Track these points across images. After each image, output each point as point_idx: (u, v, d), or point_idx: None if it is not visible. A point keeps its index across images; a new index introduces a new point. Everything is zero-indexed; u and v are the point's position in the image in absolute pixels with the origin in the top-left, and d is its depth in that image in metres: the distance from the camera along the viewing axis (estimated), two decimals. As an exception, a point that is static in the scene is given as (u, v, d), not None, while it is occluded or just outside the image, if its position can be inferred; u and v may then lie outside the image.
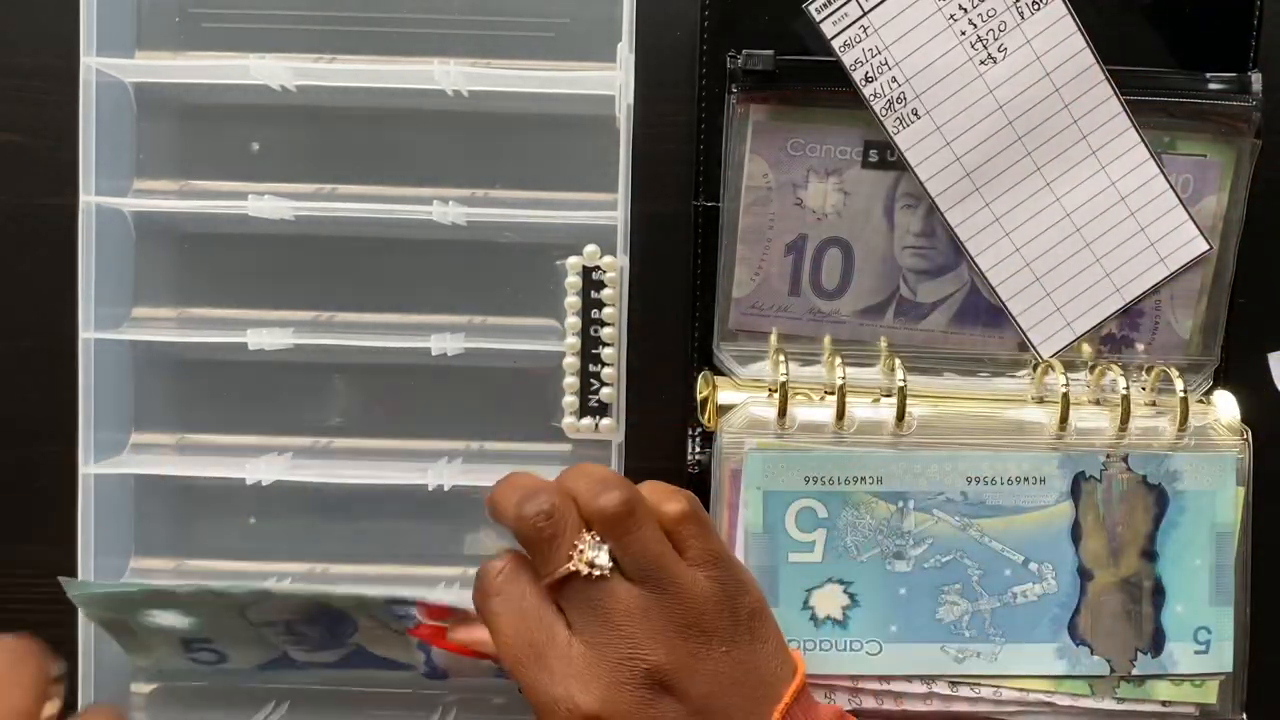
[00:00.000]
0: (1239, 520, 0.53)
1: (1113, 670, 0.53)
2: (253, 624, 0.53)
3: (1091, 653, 0.53)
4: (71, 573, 0.55)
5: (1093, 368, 0.55)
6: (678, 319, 0.56)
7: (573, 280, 0.55)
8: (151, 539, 0.59)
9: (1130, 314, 0.56)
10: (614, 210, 0.54)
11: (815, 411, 0.53)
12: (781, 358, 0.53)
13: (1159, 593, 0.53)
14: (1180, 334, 0.56)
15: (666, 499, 0.42)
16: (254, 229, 0.57)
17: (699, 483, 0.54)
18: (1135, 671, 0.53)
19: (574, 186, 0.57)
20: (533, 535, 0.40)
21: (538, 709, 0.39)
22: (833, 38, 0.52)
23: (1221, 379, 0.56)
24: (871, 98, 0.53)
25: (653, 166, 0.55)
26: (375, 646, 0.55)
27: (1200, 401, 0.55)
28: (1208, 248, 0.55)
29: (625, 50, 0.53)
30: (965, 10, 0.52)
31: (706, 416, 0.54)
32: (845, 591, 0.52)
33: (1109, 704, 0.53)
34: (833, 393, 0.52)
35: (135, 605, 0.51)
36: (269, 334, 0.55)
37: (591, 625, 0.39)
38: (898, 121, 0.53)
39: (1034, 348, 0.55)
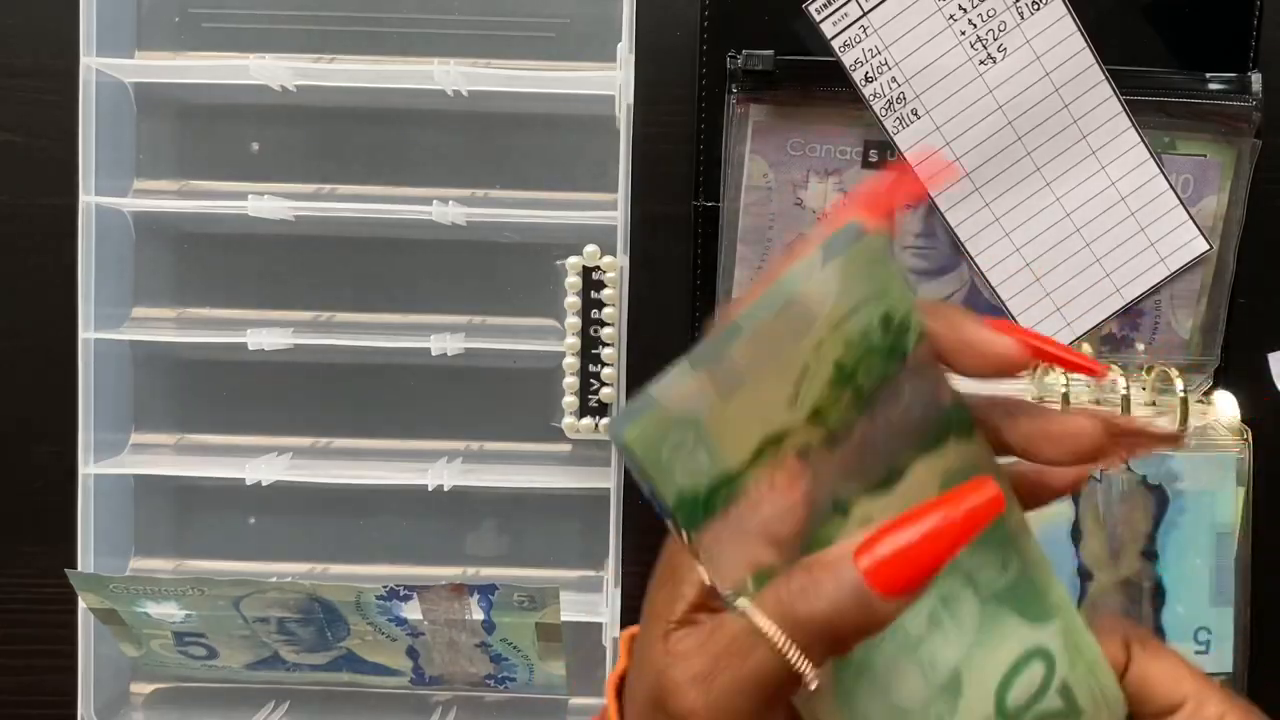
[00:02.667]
0: (1239, 520, 0.53)
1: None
2: (246, 620, 0.53)
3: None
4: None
5: (1093, 368, 0.55)
6: (678, 319, 0.56)
7: (573, 280, 0.55)
8: (151, 539, 0.59)
9: (1130, 314, 0.56)
10: (614, 210, 0.54)
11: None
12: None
13: (1159, 593, 0.53)
14: (1180, 334, 0.56)
15: None
16: (254, 229, 0.57)
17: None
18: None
19: (574, 186, 0.57)
20: None
21: None
22: (833, 38, 0.52)
23: (1221, 379, 0.56)
24: (871, 98, 0.53)
25: (653, 166, 0.55)
26: (365, 652, 0.55)
27: (1200, 401, 0.55)
28: (1208, 248, 0.55)
29: (625, 50, 0.53)
30: (965, 10, 0.52)
31: (706, 416, 0.54)
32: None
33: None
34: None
35: (130, 594, 0.52)
36: (269, 334, 0.55)
37: None
38: (898, 121, 0.53)
39: (1034, 348, 0.55)
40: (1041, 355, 0.29)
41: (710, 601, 0.27)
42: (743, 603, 0.26)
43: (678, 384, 0.25)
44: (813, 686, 0.26)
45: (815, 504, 0.27)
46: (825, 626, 0.25)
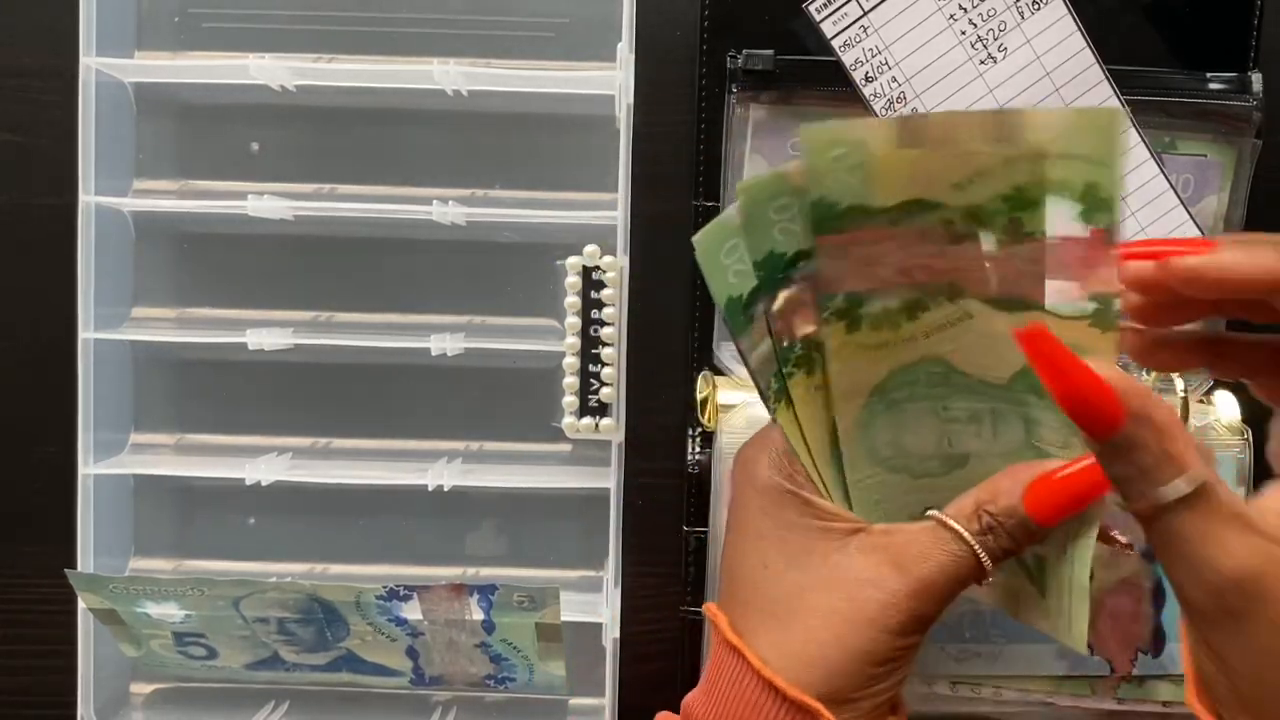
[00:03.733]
0: (1239, 520, 0.53)
1: (1113, 671, 0.53)
2: (246, 620, 0.53)
3: (1091, 653, 0.53)
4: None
5: (1093, 368, 0.55)
6: (678, 319, 0.56)
7: (573, 280, 0.55)
8: (151, 539, 0.59)
9: (1130, 314, 0.56)
10: (614, 210, 0.54)
11: (815, 411, 0.53)
12: (781, 358, 0.53)
13: (1159, 593, 0.53)
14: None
15: None
16: (254, 229, 0.57)
17: (699, 483, 0.54)
18: (1136, 672, 0.53)
19: (574, 186, 0.57)
20: None
21: None
22: (833, 37, 0.52)
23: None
24: (871, 98, 0.53)
25: (653, 166, 0.55)
26: (365, 652, 0.55)
27: (1201, 401, 0.54)
28: (1208, 248, 0.55)
29: (625, 50, 0.53)
30: (965, 10, 0.52)
31: (706, 416, 0.54)
32: (845, 591, 0.52)
33: (1109, 704, 0.53)
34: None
35: (130, 594, 0.52)
36: (269, 334, 0.55)
37: None
38: (898, 121, 0.53)
39: (1034, 348, 0.55)
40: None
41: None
42: (937, 514, 0.34)
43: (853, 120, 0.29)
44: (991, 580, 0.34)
45: (927, 286, 0.31)
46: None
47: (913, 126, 0.28)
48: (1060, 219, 0.28)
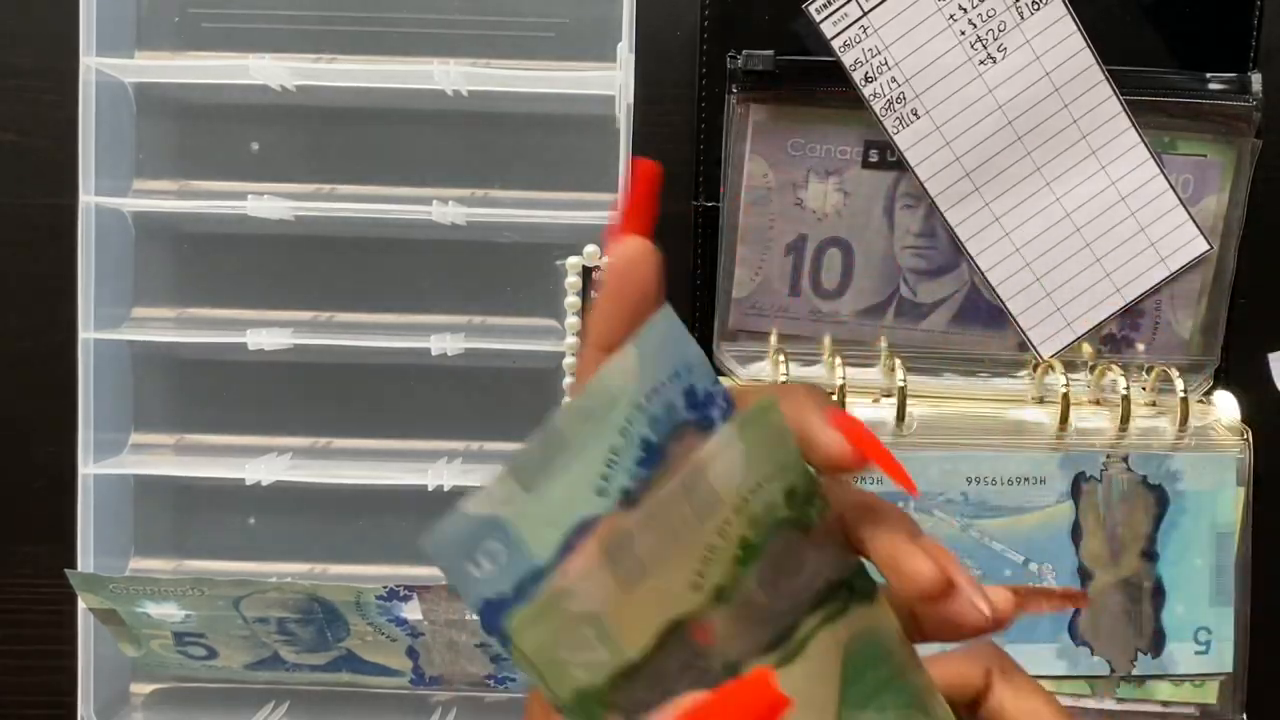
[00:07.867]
0: (1239, 520, 0.53)
1: (1113, 670, 0.53)
2: (246, 620, 0.53)
3: (1092, 653, 0.53)
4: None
5: (1093, 368, 0.55)
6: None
7: (573, 280, 0.55)
8: (151, 539, 0.59)
9: (1130, 314, 0.56)
10: (614, 210, 0.54)
11: (815, 411, 0.53)
12: (781, 358, 0.53)
13: (1159, 593, 0.53)
14: (1180, 334, 0.56)
15: None
16: (254, 229, 0.57)
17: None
18: (1135, 672, 0.53)
19: (574, 186, 0.57)
20: None
21: None
22: (833, 38, 0.52)
23: (1222, 379, 0.56)
24: (871, 98, 0.53)
25: (653, 167, 0.55)
26: (365, 652, 0.55)
27: (1200, 401, 0.55)
28: (1208, 248, 0.55)
29: (625, 50, 0.53)
30: (965, 10, 0.52)
31: (706, 416, 0.54)
32: (845, 592, 0.52)
33: (1109, 704, 0.53)
34: (833, 393, 0.52)
35: (130, 594, 0.52)
36: (268, 334, 0.55)
37: None
38: (898, 121, 0.53)
39: (1034, 348, 0.55)
40: (869, 458, 0.27)
41: None
42: None
43: (580, 578, 0.24)
44: None
45: (710, 671, 0.26)
46: None
47: (627, 563, 0.24)
48: (781, 539, 0.25)
